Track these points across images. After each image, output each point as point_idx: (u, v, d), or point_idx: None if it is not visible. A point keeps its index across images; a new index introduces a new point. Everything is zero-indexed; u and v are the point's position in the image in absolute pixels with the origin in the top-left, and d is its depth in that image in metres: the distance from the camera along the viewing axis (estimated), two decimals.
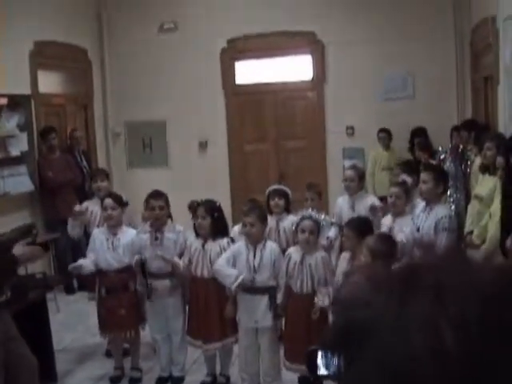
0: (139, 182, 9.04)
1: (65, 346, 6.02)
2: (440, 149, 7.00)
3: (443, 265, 0.69)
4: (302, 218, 4.66)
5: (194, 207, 5.05)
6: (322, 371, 1.70)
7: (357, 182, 5.93)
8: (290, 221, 5.64)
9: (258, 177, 9.48)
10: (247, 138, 9.67)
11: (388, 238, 4.27)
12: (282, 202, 5.73)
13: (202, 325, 4.95)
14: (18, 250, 4.03)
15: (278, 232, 5.66)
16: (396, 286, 0.67)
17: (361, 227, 4.60)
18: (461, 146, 6.58)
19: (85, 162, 8.59)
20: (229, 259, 4.77)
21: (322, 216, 4.90)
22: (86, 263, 5.12)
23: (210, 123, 9.45)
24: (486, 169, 5.64)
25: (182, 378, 5.26)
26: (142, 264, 5.03)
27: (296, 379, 4.87)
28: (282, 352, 4.87)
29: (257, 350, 4.93)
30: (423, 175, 5.01)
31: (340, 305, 0.76)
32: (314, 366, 1.72)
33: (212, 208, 4.97)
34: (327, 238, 5.68)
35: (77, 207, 5.90)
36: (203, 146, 9.64)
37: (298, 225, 4.70)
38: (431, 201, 4.97)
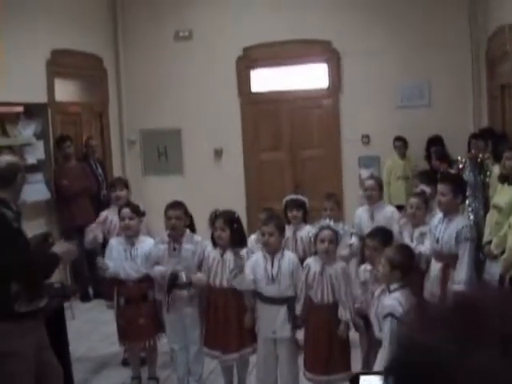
0: (154, 190, 9.07)
1: (80, 355, 6.00)
2: (459, 158, 6.95)
3: (507, 311, 0.65)
4: (321, 228, 4.64)
5: (212, 218, 5.04)
6: None
7: (378, 191, 5.93)
8: (306, 230, 5.64)
9: (273, 185, 9.47)
10: (263, 146, 9.65)
11: (407, 249, 4.25)
12: (299, 214, 5.72)
13: (220, 335, 4.93)
14: (58, 247, 4.03)
15: (296, 241, 5.65)
16: (457, 331, 0.64)
17: (385, 237, 4.58)
18: (480, 155, 6.53)
19: (100, 170, 8.61)
20: (249, 272, 4.78)
21: (340, 225, 4.88)
22: (111, 266, 5.13)
23: (225, 131, 9.45)
24: (505, 178, 5.59)
25: None
26: (175, 277, 5.02)
27: None
28: (300, 362, 4.86)
29: (275, 360, 4.91)
30: (441, 187, 4.95)
31: (400, 347, 0.73)
32: None
33: (231, 219, 4.96)
34: (350, 245, 5.67)
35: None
36: (218, 154, 9.64)
37: (316, 235, 4.68)
38: (450, 212, 4.92)
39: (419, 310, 0.72)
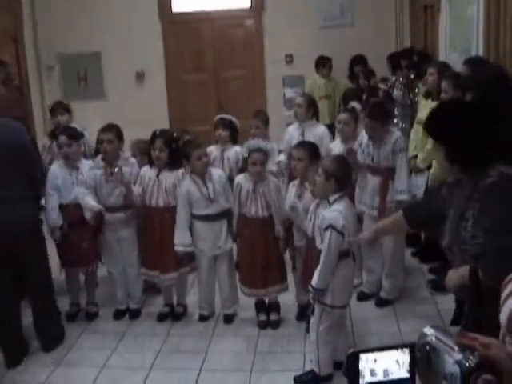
0: (75, 116, 8.80)
1: None
2: (391, 78, 7.07)
3: None
4: (251, 151, 4.66)
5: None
6: (367, 379, 1.39)
7: (305, 109, 5.95)
8: (234, 151, 5.72)
9: (196, 107, 9.45)
10: (185, 67, 9.53)
11: (342, 159, 4.28)
12: (225, 133, 5.73)
13: (158, 255, 4.98)
14: None
15: (223, 161, 5.70)
16: None
17: (312, 150, 4.64)
18: (411, 76, 6.64)
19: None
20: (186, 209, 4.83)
21: (268, 143, 4.95)
22: (54, 213, 4.98)
23: (146, 53, 9.27)
24: (429, 94, 5.75)
25: (138, 310, 5.30)
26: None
27: (253, 304, 5.01)
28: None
29: (215, 276, 5.05)
30: (370, 123, 4.96)
31: None
32: (354, 372, 1.40)
33: (170, 139, 4.93)
34: (278, 162, 5.74)
35: None
36: (140, 76, 9.47)
37: (247, 157, 4.71)
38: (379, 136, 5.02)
39: None
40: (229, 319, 5.04)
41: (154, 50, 9.29)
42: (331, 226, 3.83)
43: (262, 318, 4.96)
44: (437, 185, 5.02)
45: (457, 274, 2.70)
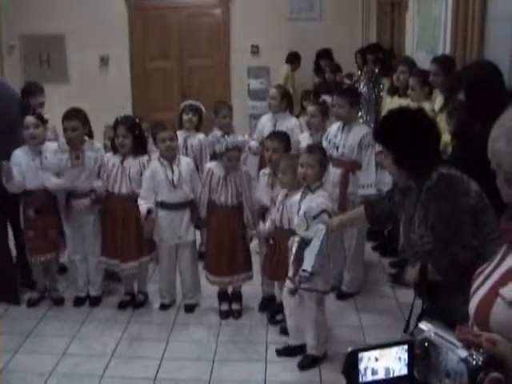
0: None
1: None
2: (355, 72, 7.13)
3: None
4: (227, 149, 4.63)
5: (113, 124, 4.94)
6: (368, 378, 1.33)
7: (278, 101, 5.99)
8: (197, 139, 5.74)
9: (160, 95, 9.39)
10: (150, 54, 9.48)
11: (322, 147, 4.39)
12: (195, 119, 5.74)
13: (119, 243, 4.93)
14: None
15: (186, 148, 5.68)
16: None
17: (286, 141, 4.72)
18: (376, 70, 6.70)
19: None
20: (149, 187, 4.77)
21: (239, 137, 4.96)
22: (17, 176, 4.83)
23: (111, 38, 9.17)
24: (395, 91, 5.82)
25: (99, 298, 5.25)
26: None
27: (215, 294, 5.02)
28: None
29: (176, 265, 5.04)
30: (338, 100, 5.07)
31: None
32: (353, 370, 1.34)
33: (133, 126, 4.88)
34: (249, 148, 5.75)
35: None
36: (104, 61, 9.36)
37: (223, 153, 4.68)
38: (348, 122, 5.06)
39: None
40: (190, 309, 5.03)
41: (120, 35, 9.21)
42: (324, 211, 3.88)
43: (224, 307, 4.96)
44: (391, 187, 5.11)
45: (414, 270, 2.88)
